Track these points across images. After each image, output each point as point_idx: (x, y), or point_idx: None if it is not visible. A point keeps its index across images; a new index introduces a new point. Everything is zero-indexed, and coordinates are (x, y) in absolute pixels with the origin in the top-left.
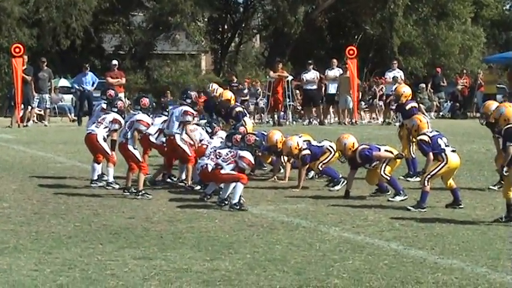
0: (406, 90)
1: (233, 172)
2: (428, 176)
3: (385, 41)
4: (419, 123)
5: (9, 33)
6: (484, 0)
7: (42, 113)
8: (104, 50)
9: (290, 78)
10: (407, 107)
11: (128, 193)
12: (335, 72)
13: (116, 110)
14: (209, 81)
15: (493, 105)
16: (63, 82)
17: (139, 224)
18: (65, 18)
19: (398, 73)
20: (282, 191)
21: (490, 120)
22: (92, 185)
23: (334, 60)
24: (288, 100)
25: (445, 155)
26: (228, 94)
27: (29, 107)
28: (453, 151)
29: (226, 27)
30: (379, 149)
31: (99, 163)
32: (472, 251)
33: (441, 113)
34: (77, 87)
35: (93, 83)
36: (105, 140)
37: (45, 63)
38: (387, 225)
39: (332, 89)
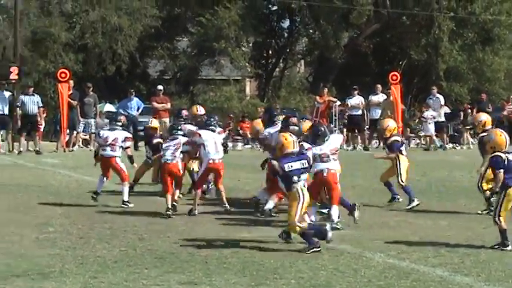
0: (483, 118)
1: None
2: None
3: (430, 66)
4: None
5: (56, 59)
6: None
7: (87, 137)
8: (149, 75)
9: (338, 103)
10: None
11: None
12: (379, 97)
13: (120, 125)
14: (253, 106)
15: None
16: (109, 107)
17: (185, 249)
18: (110, 43)
19: (438, 99)
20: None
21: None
22: (93, 196)
23: (379, 86)
24: (332, 125)
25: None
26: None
27: (75, 132)
28: None
29: (270, 52)
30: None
31: (107, 178)
32: None
33: None
34: (122, 112)
35: (139, 108)
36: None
37: (91, 89)
38: (432, 251)
39: (376, 114)
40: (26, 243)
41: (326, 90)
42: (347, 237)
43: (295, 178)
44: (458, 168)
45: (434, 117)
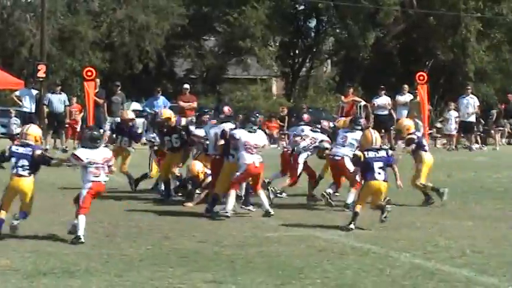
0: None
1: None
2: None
3: (457, 66)
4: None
5: (83, 57)
6: None
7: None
8: (175, 73)
9: (363, 103)
10: None
11: None
12: (405, 97)
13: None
14: (280, 105)
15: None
16: (135, 105)
17: (210, 248)
18: (137, 42)
19: (472, 99)
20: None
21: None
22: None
23: (405, 86)
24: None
25: None
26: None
27: (101, 130)
28: None
29: (297, 51)
30: None
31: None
32: None
33: None
34: (149, 110)
35: (165, 107)
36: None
37: (119, 87)
38: (458, 252)
39: (402, 115)
40: (52, 241)
41: (351, 90)
42: (373, 237)
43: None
44: (484, 168)
45: (458, 117)
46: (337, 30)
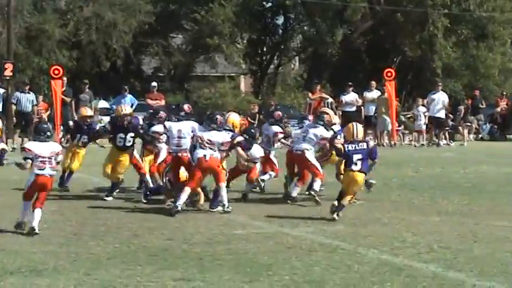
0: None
1: None
2: None
3: (424, 63)
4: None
5: (50, 55)
6: None
7: None
8: (143, 71)
9: (330, 100)
10: None
11: None
12: (373, 94)
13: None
14: (248, 102)
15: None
16: (103, 104)
17: (178, 246)
18: (105, 39)
19: (442, 95)
20: (320, 213)
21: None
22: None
23: (373, 82)
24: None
25: None
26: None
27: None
28: None
29: (265, 49)
30: None
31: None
32: (511, 273)
33: (480, 135)
34: None
35: (132, 105)
36: None
37: (88, 85)
38: (425, 247)
39: (370, 111)
40: (20, 240)
41: (318, 86)
42: (341, 233)
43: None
44: (451, 164)
45: (425, 113)
46: (305, 28)
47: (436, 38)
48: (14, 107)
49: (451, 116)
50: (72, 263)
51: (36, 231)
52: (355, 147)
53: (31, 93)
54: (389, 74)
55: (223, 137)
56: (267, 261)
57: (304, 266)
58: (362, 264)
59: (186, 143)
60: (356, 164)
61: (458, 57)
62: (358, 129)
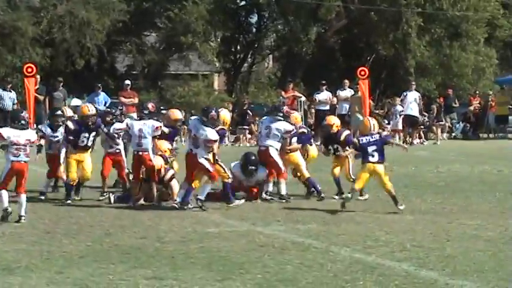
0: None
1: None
2: None
3: (398, 62)
4: None
5: (23, 53)
6: (498, 21)
7: None
8: (116, 70)
9: (303, 99)
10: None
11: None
12: (347, 92)
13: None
14: (221, 101)
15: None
16: (76, 101)
17: (151, 244)
18: (79, 37)
19: (416, 94)
20: (293, 211)
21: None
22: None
23: (346, 81)
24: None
25: None
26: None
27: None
28: None
29: (239, 47)
30: None
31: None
32: (483, 272)
33: (453, 134)
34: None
35: (106, 103)
36: None
37: (62, 83)
38: (398, 246)
39: (343, 109)
40: None
41: (291, 85)
42: (313, 232)
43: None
44: (425, 163)
45: (402, 111)
46: (279, 26)
47: (410, 37)
48: None
49: (425, 114)
50: (45, 261)
51: (23, 219)
52: (369, 139)
53: (12, 91)
54: (362, 73)
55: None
56: (240, 259)
57: (276, 265)
58: (335, 262)
59: (147, 142)
60: (373, 155)
61: (432, 56)
62: (374, 123)
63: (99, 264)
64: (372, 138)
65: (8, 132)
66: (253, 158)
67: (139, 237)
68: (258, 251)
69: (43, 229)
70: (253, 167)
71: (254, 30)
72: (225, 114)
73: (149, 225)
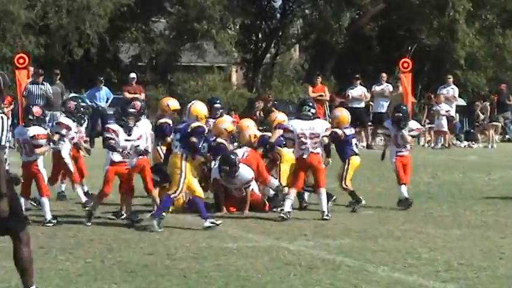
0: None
1: None
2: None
3: (444, 52)
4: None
5: (14, 41)
6: None
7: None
8: (120, 61)
9: (327, 97)
10: None
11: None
12: (383, 87)
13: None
14: (240, 97)
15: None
16: None
17: (160, 261)
18: (77, 24)
19: (453, 90)
20: (323, 224)
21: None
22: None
23: (384, 74)
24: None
25: None
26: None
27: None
28: None
29: (260, 36)
30: None
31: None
32: None
33: (507, 136)
34: (90, 103)
35: (108, 99)
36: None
37: (59, 76)
38: (444, 265)
39: (380, 107)
40: None
41: (319, 79)
42: (346, 248)
43: None
44: (474, 169)
45: (448, 111)
46: (307, 11)
47: (457, 24)
48: None
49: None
50: (38, 281)
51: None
52: (350, 131)
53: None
54: (405, 65)
55: None
56: (262, 279)
57: (303, 285)
58: (370, 283)
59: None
60: (356, 145)
61: (482, 46)
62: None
63: (100, 284)
64: (351, 130)
65: None
66: (231, 157)
67: (146, 254)
68: (283, 270)
69: (36, 243)
70: (226, 167)
71: (278, 16)
72: (199, 108)
73: (157, 239)
